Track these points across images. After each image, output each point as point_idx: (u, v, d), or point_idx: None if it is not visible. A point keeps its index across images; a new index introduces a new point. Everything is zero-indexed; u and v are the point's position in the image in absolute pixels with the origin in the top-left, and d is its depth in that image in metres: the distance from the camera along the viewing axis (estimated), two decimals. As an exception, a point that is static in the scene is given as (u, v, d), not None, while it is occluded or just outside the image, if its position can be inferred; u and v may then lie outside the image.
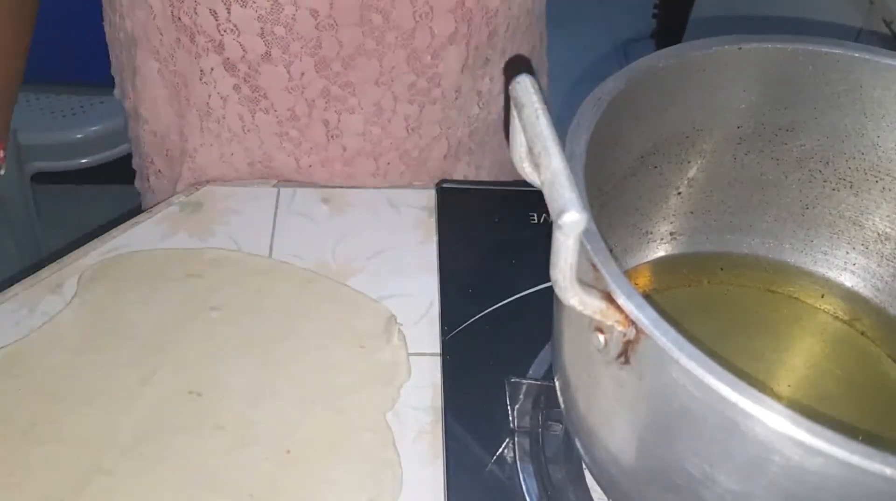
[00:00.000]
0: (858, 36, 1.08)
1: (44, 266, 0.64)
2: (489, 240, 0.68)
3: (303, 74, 0.64)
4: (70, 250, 0.65)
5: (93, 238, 0.66)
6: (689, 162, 0.51)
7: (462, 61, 0.67)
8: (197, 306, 0.61)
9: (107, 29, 0.75)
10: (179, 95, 0.68)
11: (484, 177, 0.80)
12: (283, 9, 0.60)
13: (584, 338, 0.36)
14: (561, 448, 0.53)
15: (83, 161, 1.49)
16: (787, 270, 0.55)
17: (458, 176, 0.77)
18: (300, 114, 0.67)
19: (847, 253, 0.54)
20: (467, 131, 0.74)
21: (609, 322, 0.33)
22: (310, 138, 0.69)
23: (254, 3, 0.59)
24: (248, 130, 0.68)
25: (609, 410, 0.39)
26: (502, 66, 0.72)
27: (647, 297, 0.32)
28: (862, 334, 0.54)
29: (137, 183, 0.84)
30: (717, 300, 0.55)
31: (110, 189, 1.57)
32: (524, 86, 0.35)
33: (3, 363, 0.57)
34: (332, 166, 0.71)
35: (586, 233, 0.32)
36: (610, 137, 0.43)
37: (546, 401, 0.55)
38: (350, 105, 0.67)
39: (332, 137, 0.69)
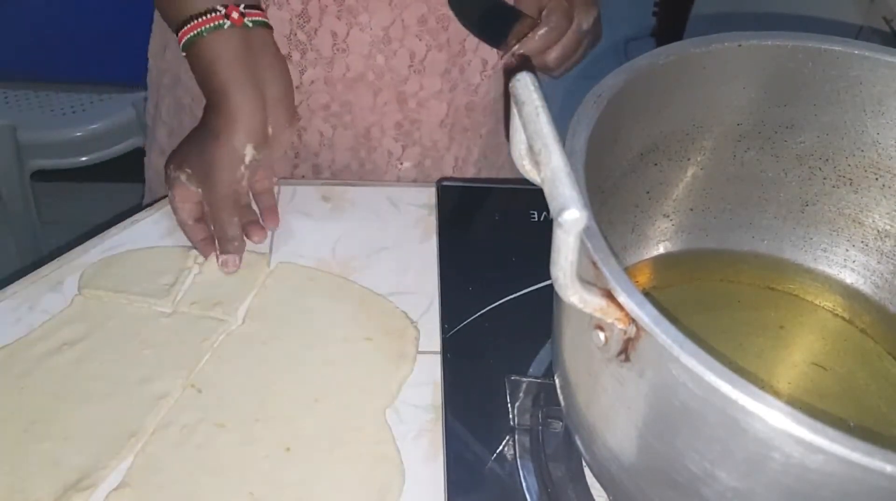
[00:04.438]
0: (859, 34, 1.08)
1: (44, 264, 0.64)
2: (489, 238, 0.68)
3: None
4: (70, 248, 0.65)
5: (93, 236, 0.66)
6: (688, 159, 0.51)
7: None
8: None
9: None
10: None
11: (472, 163, 0.80)
12: None
13: (585, 336, 0.36)
14: (561, 446, 0.53)
15: (83, 159, 1.49)
16: (786, 267, 0.55)
17: (448, 157, 0.78)
18: (312, 13, 0.67)
19: (847, 250, 0.54)
20: (465, 101, 0.75)
21: (609, 320, 0.33)
22: (316, 48, 0.69)
23: None
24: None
25: (609, 407, 0.39)
26: None
27: (647, 294, 0.32)
28: (862, 331, 0.54)
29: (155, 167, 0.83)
30: (717, 298, 0.55)
31: (110, 187, 1.57)
32: (524, 83, 0.35)
33: (4, 361, 0.57)
34: (334, 87, 0.71)
35: (586, 231, 0.32)
36: (610, 134, 0.43)
37: (546, 399, 0.55)
38: (361, 21, 0.67)
39: (337, 50, 0.69)
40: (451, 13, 0.68)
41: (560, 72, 0.68)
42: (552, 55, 0.66)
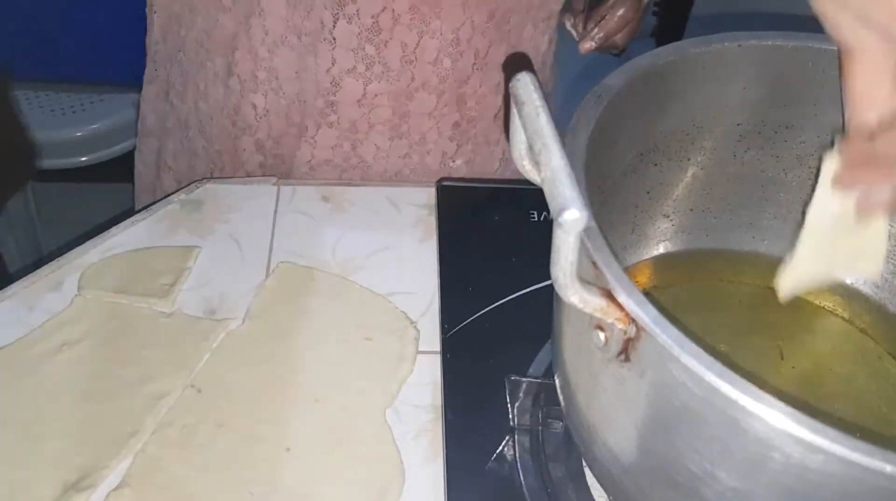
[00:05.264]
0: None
1: (44, 264, 0.64)
2: (489, 238, 0.68)
3: None
4: (70, 248, 0.65)
5: (93, 236, 0.66)
6: (688, 159, 0.51)
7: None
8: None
9: None
10: None
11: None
12: None
13: (585, 336, 0.36)
14: (561, 446, 0.53)
15: (83, 159, 1.49)
16: (787, 267, 0.55)
17: (497, 150, 0.77)
18: (384, 25, 0.64)
19: (847, 250, 0.54)
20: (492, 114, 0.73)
21: (609, 320, 0.33)
22: (384, 60, 0.67)
23: None
24: (325, 40, 0.65)
25: (609, 407, 0.39)
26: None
27: (647, 294, 0.32)
28: (862, 331, 0.54)
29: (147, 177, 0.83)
30: (718, 298, 0.55)
31: (110, 187, 1.57)
32: (524, 83, 0.35)
33: (4, 361, 0.57)
34: (397, 100, 0.69)
35: (587, 231, 0.32)
36: (610, 134, 0.43)
37: (546, 399, 0.55)
38: (432, 28, 0.65)
39: (406, 62, 0.67)
40: (515, 4, 0.66)
41: (624, 47, 0.69)
42: (622, 35, 0.67)
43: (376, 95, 0.69)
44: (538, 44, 0.73)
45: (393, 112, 0.70)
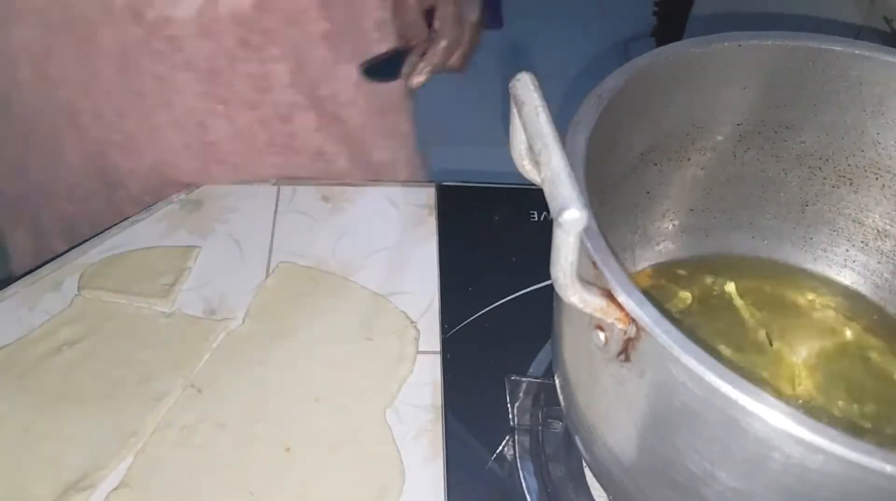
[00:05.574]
0: (859, 34, 1.08)
1: (44, 264, 0.64)
2: (489, 238, 0.68)
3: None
4: (70, 249, 0.65)
5: (92, 236, 0.66)
6: (689, 159, 0.51)
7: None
8: (197, 305, 0.61)
9: None
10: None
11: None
12: None
13: (585, 336, 0.36)
14: (561, 446, 0.53)
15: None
16: (786, 267, 0.55)
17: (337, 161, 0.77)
18: (221, 67, 0.65)
19: (847, 250, 0.54)
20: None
21: (609, 320, 0.33)
22: (238, 95, 0.68)
23: None
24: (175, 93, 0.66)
25: (609, 407, 0.39)
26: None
27: (647, 294, 0.32)
28: (862, 331, 0.54)
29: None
30: (717, 298, 0.55)
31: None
32: (524, 83, 0.35)
33: (4, 361, 0.57)
34: (269, 126, 0.70)
35: (587, 231, 0.32)
36: (610, 134, 0.43)
37: (546, 399, 0.55)
38: (273, 55, 0.66)
39: (262, 91, 0.68)
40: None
41: (466, 67, 0.70)
42: (454, 59, 0.68)
43: (250, 125, 0.70)
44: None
45: (272, 136, 0.71)
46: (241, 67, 0.66)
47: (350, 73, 0.71)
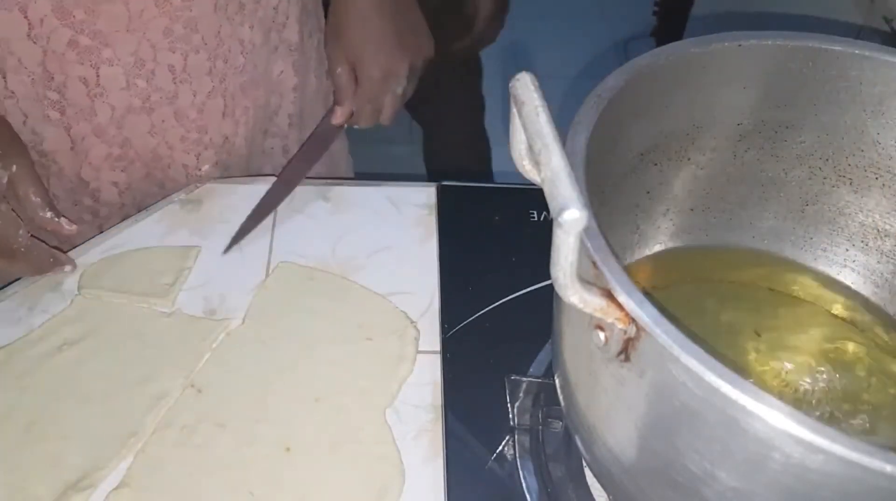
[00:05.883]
0: (859, 34, 1.08)
1: (44, 264, 0.64)
2: (489, 238, 0.68)
3: (42, 20, 0.60)
4: (70, 249, 0.65)
5: (92, 236, 0.66)
6: (689, 159, 0.51)
7: (214, 2, 0.66)
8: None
9: None
10: None
11: (263, 132, 0.79)
12: None
13: (585, 336, 0.36)
14: (561, 446, 0.53)
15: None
16: (786, 267, 0.55)
17: (239, 140, 0.75)
18: (52, 70, 0.63)
19: (847, 250, 0.54)
20: (238, 84, 0.72)
21: (609, 320, 0.33)
22: (72, 101, 0.65)
23: None
24: (6, 97, 0.64)
25: (609, 407, 0.39)
26: (259, 14, 0.71)
27: (647, 294, 0.32)
28: (862, 331, 0.54)
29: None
30: (717, 298, 0.55)
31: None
32: (524, 83, 0.35)
33: (4, 361, 0.57)
34: (105, 132, 0.68)
35: (587, 230, 0.32)
36: (610, 134, 0.43)
37: (546, 399, 0.55)
38: (106, 57, 0.63)
39: (94, 96, 0.65)
40: (196, 13, 0.65)
41: (389, 119, 0.75)
42: (385, 115, 0.74)
43: (83, 138, 0.67)
44: (241, 36, 0.71)
45: (109, 145, 0.69)
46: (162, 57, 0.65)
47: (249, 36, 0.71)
